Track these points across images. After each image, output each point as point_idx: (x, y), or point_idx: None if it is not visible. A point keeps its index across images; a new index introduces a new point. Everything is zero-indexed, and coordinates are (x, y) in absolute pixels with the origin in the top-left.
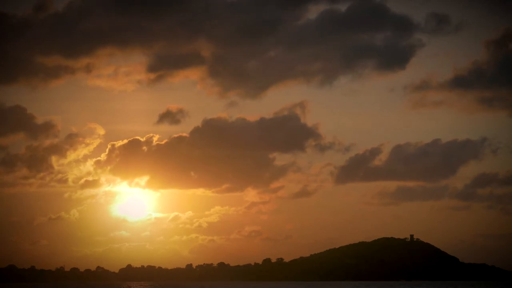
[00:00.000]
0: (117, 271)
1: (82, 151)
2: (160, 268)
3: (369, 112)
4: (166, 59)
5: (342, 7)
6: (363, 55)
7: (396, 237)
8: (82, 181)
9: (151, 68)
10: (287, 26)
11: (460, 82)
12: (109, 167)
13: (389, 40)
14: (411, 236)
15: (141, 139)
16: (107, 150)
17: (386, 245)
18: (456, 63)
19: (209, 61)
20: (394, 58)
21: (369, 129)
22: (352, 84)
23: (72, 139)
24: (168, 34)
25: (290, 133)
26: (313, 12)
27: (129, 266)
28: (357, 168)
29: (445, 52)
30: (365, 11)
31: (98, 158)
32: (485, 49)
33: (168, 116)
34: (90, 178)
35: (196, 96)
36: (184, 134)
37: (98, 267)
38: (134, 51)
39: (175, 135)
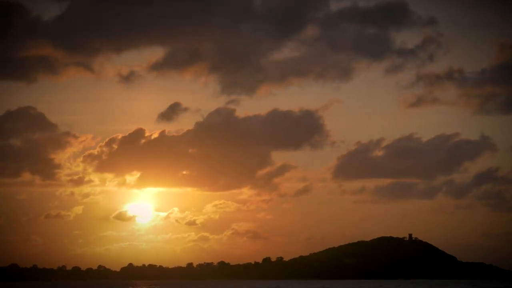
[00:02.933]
0: (118, 269)
1: (81, 148)
2: (161, 267)
3: (374, 111)
4: (171, 55)
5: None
6: (375, 53)
7: (395, 236)
8: (81, 179)
9: (155, 65)
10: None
11: (467, 80)
12: (108, 165)
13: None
14: (410, 235)
15: (143, 136)
16: (107, 147)
17: (384, 244)
18: (464, 63)
19: (215, 57)
20: (402, 57)
21: (370, 127)
22: (360, 83)
23: (71, 136)
24: (174, 29)
25: (291, 130)
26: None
27: (130, 265)
28: (357, 166)
29: (456, 51)
30: (380, 9)
31: (98, 155)
32: (497, 50)
33: (171, 113)
34: (88, 176)
35: (200, 92)
36: (184, 131)
37: (99, 266)
38: (139, 46)
39: (177, 132)
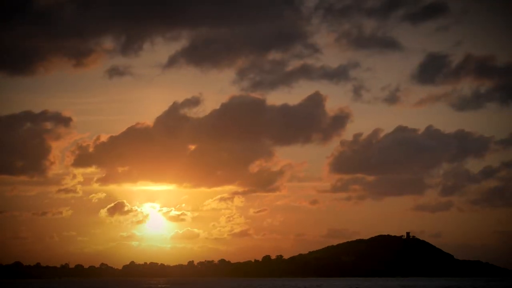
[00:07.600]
0: (120, 267)
1: (78, 144)
2: (162, 265)
3: (375, 107)
4: (183, 51)
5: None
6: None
7: (393, 234)
8: (77, 176)
9: (167, 60)
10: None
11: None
12: (108, 162)
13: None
14: (407, 233)
15: (145, 133)
16: (107, 144)
17: (382, 242)
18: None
19: (229, 53)
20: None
21: (370, 123)
22: (367, 81)
23: (68, 133)
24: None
25: (292, 127)
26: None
27: (132, 263)
28: (355, 165)
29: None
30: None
31: (97, 152)
32: None
33: (184, 106)
34: (86, 173)
35: (212, 87)
36: (190, 125)
37: (102, 264)
38: (147, 43)
39: (182, 126)
